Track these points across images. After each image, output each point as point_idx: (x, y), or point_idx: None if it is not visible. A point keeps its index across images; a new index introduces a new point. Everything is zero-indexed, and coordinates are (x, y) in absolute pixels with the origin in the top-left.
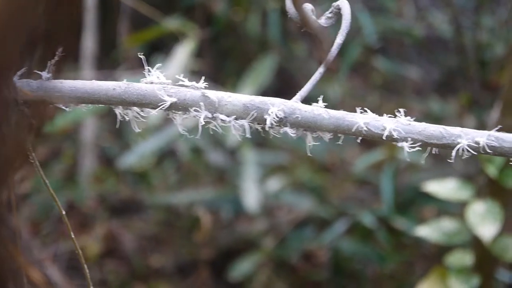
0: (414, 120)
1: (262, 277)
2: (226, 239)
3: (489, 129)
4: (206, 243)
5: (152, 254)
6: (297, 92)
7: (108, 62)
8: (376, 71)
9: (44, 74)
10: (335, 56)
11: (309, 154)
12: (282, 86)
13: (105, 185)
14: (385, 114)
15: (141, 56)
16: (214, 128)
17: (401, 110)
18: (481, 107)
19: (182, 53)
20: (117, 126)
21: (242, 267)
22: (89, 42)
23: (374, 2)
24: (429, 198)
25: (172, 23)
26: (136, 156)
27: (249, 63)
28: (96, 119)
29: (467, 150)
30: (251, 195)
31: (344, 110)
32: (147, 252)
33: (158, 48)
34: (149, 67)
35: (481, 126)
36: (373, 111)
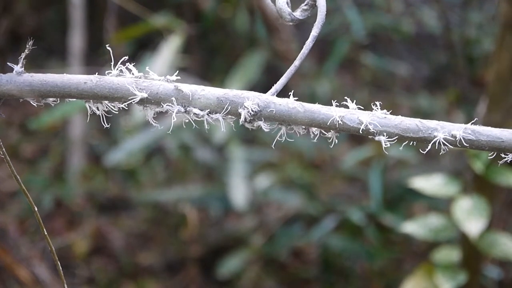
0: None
1: (251, 274)
2: (214, 236)
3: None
4: (194, 240)
5: (140, 251)
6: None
7: (96, 59)
8: (365, 67)
9: (16, 68)
10: (310, 49)
11: (289, 150)
12: (270, 83)
13: (93, 182)
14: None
15: (108, 48)
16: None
17: (377, 103)
18: (469, 103)
19: (169, 49)
20: (100, 123)
21: (230, 264)
22: (76, 40)
23: None
24: (417, 194)
25: (159, 20)
26: (124, 153)
27: (237, 60)
28: (83, 116)
29: (444, 143)
30: (240, 192)
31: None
32: (136, 249)
33: (146, 45)
34: (128, 63)
35: (470, 122)
36: (363, 108)
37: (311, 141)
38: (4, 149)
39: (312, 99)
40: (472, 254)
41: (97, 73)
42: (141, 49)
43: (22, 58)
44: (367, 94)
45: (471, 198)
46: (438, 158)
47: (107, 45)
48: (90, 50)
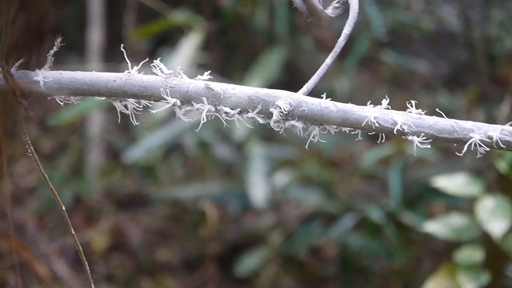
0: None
1: (269, 272)
2: (233, 234)
3: (500, 124)
4: (213, 237)
5: (158, 248)
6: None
7: (115, 55)
8: (385, 65)
9: (39, 75)
10: (342, 47)
11: (308, 147)
12: (289, 80)
13: (111, 179)
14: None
15: (121, 46)
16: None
17: (412, 102)
18: (490, 102)
19: (188, 46)
20: (119, 119)
21: (249, 262)
22: (95, 36)
23: None
24: (438, 193)
25: (178, 16)
26: (143, 150)
27: (256, 57)
28: (102, 112)
29: (480, 145)
30: (259, 190)
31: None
32: (154, 246)
33: (165, 42)
34: (154, 60)
35: (491, 120)
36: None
37: (330, 139)
38: (29, 139)
39: (331, 97)
40: (495, 255)
41: (126, 71)
42: (160, 46)
43: (51, 55)
44: (387, 92)
45: (495, 198)
46: (459, 156)
47: (130, 43)
48: (109, 46)
